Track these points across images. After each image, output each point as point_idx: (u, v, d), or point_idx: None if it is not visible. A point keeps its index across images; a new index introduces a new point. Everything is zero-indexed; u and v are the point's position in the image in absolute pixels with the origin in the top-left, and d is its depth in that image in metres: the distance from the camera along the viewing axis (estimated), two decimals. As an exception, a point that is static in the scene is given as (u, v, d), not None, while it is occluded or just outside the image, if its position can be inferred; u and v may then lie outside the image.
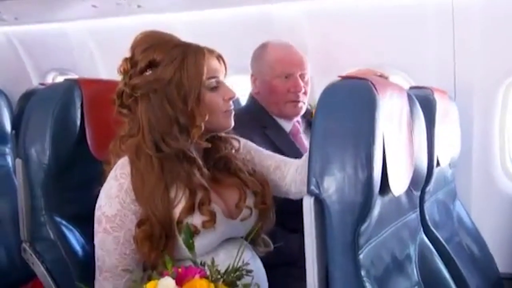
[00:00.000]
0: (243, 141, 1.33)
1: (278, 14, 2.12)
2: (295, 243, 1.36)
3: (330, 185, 0.90)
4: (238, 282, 1.01)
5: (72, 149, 1.38)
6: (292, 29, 2.10)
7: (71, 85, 1.43)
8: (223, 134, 1.25)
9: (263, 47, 1.73)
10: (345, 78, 1.00)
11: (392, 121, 1.02)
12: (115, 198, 1.10)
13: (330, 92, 0.96)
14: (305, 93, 1.67)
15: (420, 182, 1.23)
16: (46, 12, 2.37)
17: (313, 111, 1.84)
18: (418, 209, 1.23)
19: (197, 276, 0.95)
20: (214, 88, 1.18)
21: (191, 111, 1.14)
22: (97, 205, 1.13)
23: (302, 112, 1.70)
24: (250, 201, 1.23)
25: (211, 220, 1.12)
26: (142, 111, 1.15)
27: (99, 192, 1.15)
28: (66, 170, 1.37)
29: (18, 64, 2.89)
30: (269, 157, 1.32)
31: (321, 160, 0.91)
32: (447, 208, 1.68)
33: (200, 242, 1.08)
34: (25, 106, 1.51)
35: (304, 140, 1.70)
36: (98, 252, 1.14)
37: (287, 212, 1.23)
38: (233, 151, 1.27)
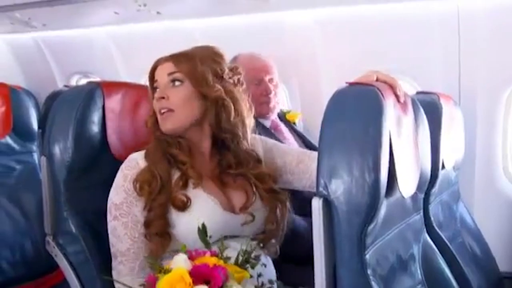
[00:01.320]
0: (263, 143, 1.30)
1: (290, 21, 2.11)
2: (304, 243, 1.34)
3: (338, 187, 0.88)
4: (247, 265, 1.02)
5: (93, 148, 1.38)
6: (303, 35, 2.08)
7: (93, 87, 1.42)
8: (236, 148, 1.22)
9: (234, 60, 1.81)
10: (352, 84, 0.99)
11: (399, 126, 1.00)
12: (121, 187, 1.16)
13: (338, 97, 0.94)
14: (275, 94, 1.84)
15: (425, 185, 1.20)
16: (71, 19, 2.39)
17: (287, 115, 2.01)
18: (421, 211, 1.21)
19: (207, 254, 1.00)
20: (153, 91, 1.22)
21: None
22: (108, 198, 1.18)
23: (275, 109, 1.86)
24: (258, 209, 1.20)
25: (198, 178, 1.16)
26: None
27: None
28: (87, 168, 1.37)
29: (45, 67, 2.91)
30: (290, 152, 1.29)
31: (330, 163, 0.89)
32: (451, 209, 1.65)
33: (196, 222, 1.08)
34: (50, 106, 1.51)
35: (285, 134, 1.85)
36: (111, 239, 1.18)
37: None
38: (250, 165, 1.23)
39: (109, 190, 1.19)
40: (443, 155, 1.46)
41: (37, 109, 2.58)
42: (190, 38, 2.23)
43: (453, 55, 1.82)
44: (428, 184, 1.26)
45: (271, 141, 1.34)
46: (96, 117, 1.39)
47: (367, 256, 0.91)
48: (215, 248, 1.04)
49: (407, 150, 1.04)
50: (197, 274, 0.95)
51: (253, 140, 1.29)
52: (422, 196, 1.21)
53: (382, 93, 0.96)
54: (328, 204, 0.89)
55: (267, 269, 1.16)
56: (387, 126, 0.93)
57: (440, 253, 1.26)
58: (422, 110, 1.21)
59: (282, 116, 1.97)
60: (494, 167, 1.88)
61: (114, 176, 1.20)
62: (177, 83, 1.19)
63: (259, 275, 1.08)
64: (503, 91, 1.81)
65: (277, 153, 1.29)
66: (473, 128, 1.82)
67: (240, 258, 1.03)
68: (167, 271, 0.98)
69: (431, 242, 1.24)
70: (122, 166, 1.19)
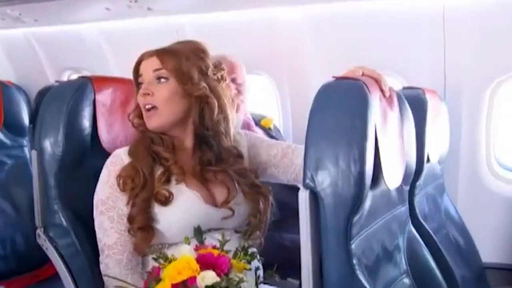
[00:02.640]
0: (247, 138, 1.30)
1: (282, 17, 2.10)
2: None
3: (325, 179, 0.89)
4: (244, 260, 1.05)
5: (84, 142, 1.37)
6: (293, 31, 2.08)
7: (84, 82, 1.41)
8: (219, 143, 1.21)
9: None
10: (339, 78, 0.99)
11: (384, 119, 1.01)
12: (106, 183, 1.17)
13: (325, 91, 0.95)
14: (239, 92, 1.79)
15: (410, 177, 1.21)
16: (62, 14, 2.37)
17: (262, 122, 1.98)
18: (407, 203, 1.22)
19: (209, 246, 1.03)
20: (138, 86, 1.21)
21: None
22: (95, 193, 1.19)
23: (243, 109, 1.82)
24: (240, 203, 1.20)
25: (181, 174, 1.15)
26: None
27: None
28: (78, 162, 1.36)
29: (36, 63, 2.88)
30: (274, 146, 1.29)
31: (316, 156, 0.90)
32: (436, 202, 1.67)
33: (179, 216, 1.12)
34: (41, 101, 1.50)
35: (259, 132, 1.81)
36: (98, 234, 1.18)
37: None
38: (230, 161, 1.21)
39: (99, 183, 1.19)
40: (428, 149, 1.47)
41: (28, 105, 2.56)
42: (181, 34, 2.22)
43: (439, 51, 1.83)
44: (413, 177, 1.27)
45: (255, 136, 1.35)
46: (87, 111, 1.38)
47: (353, 246, 0.92)
48: (213, 241, 1.07)
49: (393, 143, 1.05)
50: (203, 262, 0.98)
51: (237, 136, 1.29)
52: (407, 188, 1.22)
53: (368, 87, 0.96)
54: (314, 196, 0.90)
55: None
56: (373, 119, 0.94)
57: (425, 244, 1.27)
58: (407, 104, 1.22)
59: (257, 122, 1.95)
60: (478, 160, 1.90)
61: (105, 169, 1.20)
62: (162, 80, 1.18)
63: (258, 268, 1.10)
64: (486, 87, 1.82)
65: (261, 148, 1.29)
66: (458, 122, 1.84)
67: (239, 253, 1.06)
68: (172, 260, 1.00)
69: (416, 234, 1.25)
70: (107, 162, 1.19)
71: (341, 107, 0.92)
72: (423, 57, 1.88)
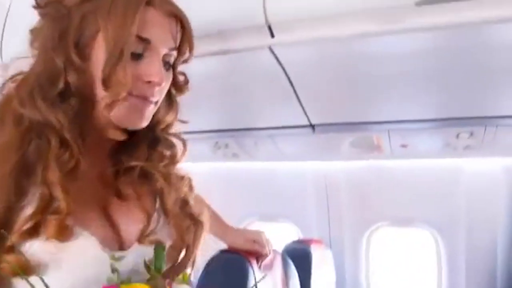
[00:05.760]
0: None
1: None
2: None
3: None
4: None
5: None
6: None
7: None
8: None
9: None
10: (223, 252, 1.27)
11: (267, 283, 1.25)
12: None
13: (210, 264, 1.20)
14: None
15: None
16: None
17: None
18: None
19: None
20: (136, 57, 0.71)
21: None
22: None
23: None
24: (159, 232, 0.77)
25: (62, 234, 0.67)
26: None
27: None
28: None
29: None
30: None
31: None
32: None
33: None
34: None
35: None
36: None
37: None
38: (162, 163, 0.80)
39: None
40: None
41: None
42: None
43: (323, 208, 2.24)
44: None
45: None
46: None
47: None
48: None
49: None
50: None
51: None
52: None
53: (248, 259, 1.26)
54: None
55: None
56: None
57: None
58: (291, 263, 1.48)
59: None
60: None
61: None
62: (167, 67, 0.76)
63: None
64: (361, 237, 2.22)
65: None
66: (342, 267, 2.18)
67: None
68: None
69: None
70: None
71: (224, 279, 1.20)
72: (312, 212, 2.28)
